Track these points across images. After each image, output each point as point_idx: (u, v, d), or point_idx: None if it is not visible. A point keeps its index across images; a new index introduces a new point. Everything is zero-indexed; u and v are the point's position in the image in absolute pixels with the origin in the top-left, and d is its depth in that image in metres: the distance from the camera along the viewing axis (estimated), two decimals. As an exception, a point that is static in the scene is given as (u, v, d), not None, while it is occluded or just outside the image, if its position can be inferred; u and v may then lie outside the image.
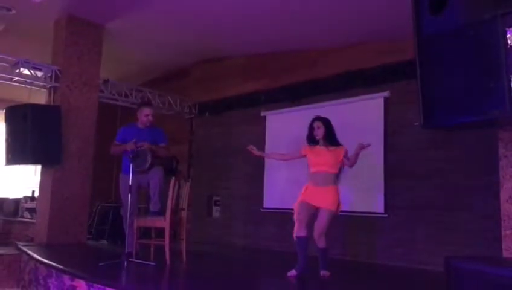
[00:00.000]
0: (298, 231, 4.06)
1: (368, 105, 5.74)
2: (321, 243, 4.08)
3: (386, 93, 5.57)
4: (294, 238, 4.09)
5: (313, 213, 4.10)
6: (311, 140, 4.26)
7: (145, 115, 5.00)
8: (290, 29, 5.92)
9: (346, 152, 4.16)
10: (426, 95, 2.46)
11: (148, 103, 5.70)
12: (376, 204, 5.49)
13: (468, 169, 4.86)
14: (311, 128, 4.25)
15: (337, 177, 4.18)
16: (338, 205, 4.09)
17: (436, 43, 2.44)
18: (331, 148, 4.16)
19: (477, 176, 4.76)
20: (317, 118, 4.27)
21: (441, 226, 4.96)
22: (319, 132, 4.19)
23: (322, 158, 4.14)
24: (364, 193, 5.56)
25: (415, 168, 5.29)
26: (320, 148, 4.20)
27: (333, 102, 5.91)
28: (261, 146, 6.91)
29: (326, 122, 4.23)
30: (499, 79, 2.12)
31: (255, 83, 7.12)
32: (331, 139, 4.19)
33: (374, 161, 5.51)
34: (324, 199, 4.03)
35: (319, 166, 4.14)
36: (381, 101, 5.62)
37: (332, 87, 6.03)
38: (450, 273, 2.12)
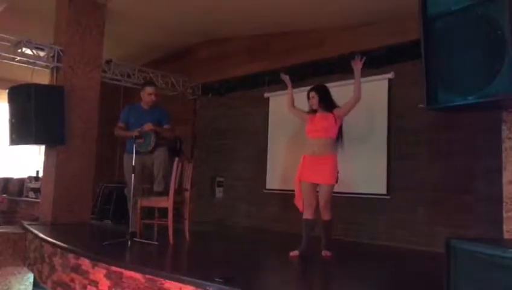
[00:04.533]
0: (306, 213, 4.11)
1: (372, 86, 5.67)
2: (326, 215, 4.15)
3: (390, 75, 5.52)
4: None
5: (317, 189, 4.15)
6: (311, 110, 4.33)
7: (148, 94, 5.01)
8: (294, 9, 5.84)
9: (339, 108, 4.16)
10: (431, 76, 2.43)
11: (150, 82, 5.70)
12: (378, 185, 5.50)
13: (470, 151, 4.84)
14: (308, 99, 4.31)
15: (336, 143, 4.19)
16: (336, 176, 4.12)
17: (441, 23, 2.40)
18: (327, 113, 4.17)
19: (479, 158, 4.74)
20: (312, 88, 4.33)
21: (442, 208, 4.97)
22: (314, 101, 4.25)
23: (316, 124, 4.20)
24: (367, 174, 5.56)
25: (418, 149, 5.27)
26: (317, 115, 4.25)
27: (338, 83, 5.84)
28: (265, 128, 6.92)
29: (319, 90, 4.27)
30: (505, 60, 2.09)
31: (259, 64, 7.06)
32: (326, 105, 4.20)
33: (377, 142, 5.51)
34: (322, 173, 4.08)
35: (313, 132, 4.20)
36: (386, 83, 5.58)
37: (337, 68, 5.97)
38: (450, 253, 2.13)
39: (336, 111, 4.17)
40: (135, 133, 4.73)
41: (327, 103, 4.22)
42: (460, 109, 2.62)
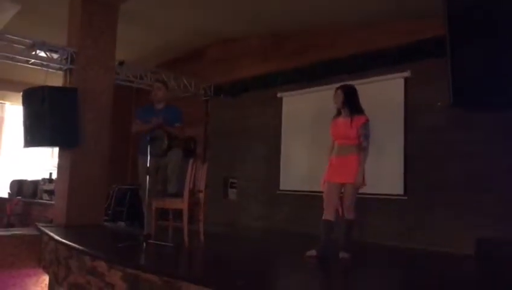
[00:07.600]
0: (326, 214, 4.04)
1: (388, 85, 5.62)
2: (350, 214, 4.10)
3: (406, 73, 5.44)
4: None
5: (341, 191, 4.09)
6: (337, 111, 4.24)
7: (156, 88, 5.14)
8: (307, 8, 5.79)
9: (366, 121, 4.05)
10: (456, 74, 2.37)
11: (159, 79, 5.89)
12: (395, 186, 5.42)
13: (488, 151, 4.75)
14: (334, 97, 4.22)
15: (360, 147, 4.05)
16: (361, 176, 4.01)
17: (467, 20, 2.33)
18: (351, 118, 4.07)
19: (497, 158, 4.65)
20: (340, 86, 4.24)
21: (461, 209, 4.88)
22: (338, 100, 4.15)
23: (339, 130, 4.15)
24: (384, 174, 5.47)
25: (436, 149, 5.19)
26: (339, 120, 4.18)
27: (352, 82, 5.78)
28: (277, 128, 6.88)
29: (346, 90, 4.17)
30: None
31: (272, 64, 7.02)
32: (351, 108, 4.10)
33: (394, 141, 5.44)
34: (346, 172, 4.02)
35: (337, 138, 4.17)
36: (402, 82, 5.50)
37: (352, 67, 5.90)
38: (481, 254, 2.06)
39: (359, 119, 4.04)
40: (150, 125, 4.76)
41: (352, 105, 4.12)
42: (488, 108, 2.55)
